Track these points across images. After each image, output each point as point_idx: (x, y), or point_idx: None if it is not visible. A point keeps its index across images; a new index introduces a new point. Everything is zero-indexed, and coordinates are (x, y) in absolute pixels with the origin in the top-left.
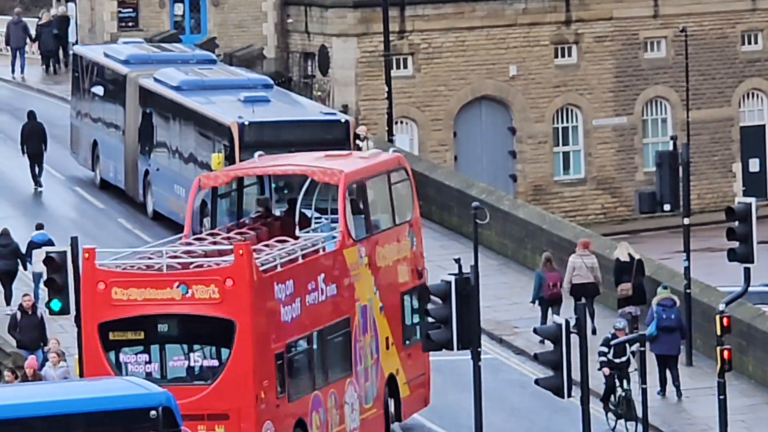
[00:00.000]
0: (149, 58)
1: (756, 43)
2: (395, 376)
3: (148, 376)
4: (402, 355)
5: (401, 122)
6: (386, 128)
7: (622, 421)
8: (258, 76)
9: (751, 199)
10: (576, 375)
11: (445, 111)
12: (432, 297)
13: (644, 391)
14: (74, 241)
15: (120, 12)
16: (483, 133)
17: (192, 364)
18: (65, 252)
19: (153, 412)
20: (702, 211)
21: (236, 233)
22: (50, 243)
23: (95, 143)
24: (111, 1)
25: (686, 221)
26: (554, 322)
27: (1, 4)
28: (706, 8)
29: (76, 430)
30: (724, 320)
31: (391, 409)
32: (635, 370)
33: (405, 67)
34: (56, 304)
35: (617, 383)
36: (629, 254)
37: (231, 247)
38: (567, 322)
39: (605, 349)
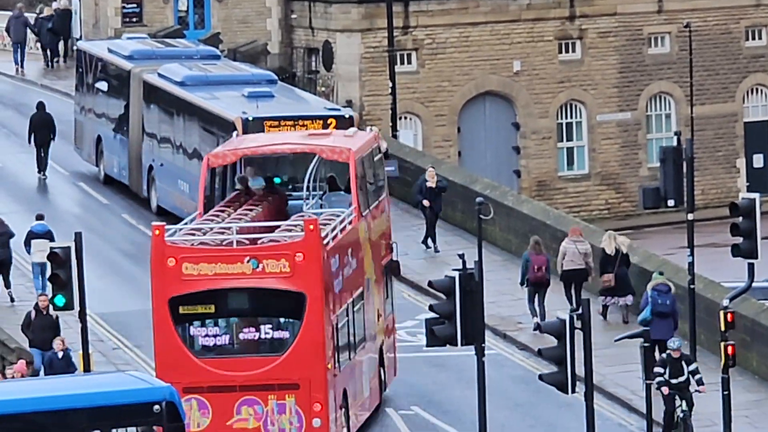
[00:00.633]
0: (153, 54)
1: (760, 38)
2: (382, 347)
3: (219, 348)
4: (384, 328)
5: (405, 118)
6: (390, 124)
7: None
8: (262, 72)
9: (755, 195)
10: (580, 370)
11: (449, 106)
12: (436, 292)
13: (648, 387)
14: (78, 237)
15: (124, 7)
16: (487, 129)
17: (263, 336)
18: (69, 247)
19: (156, 407)
20: (706, 206)
21: (246, 209)
22: (50, 233)
23: (99, 138)
24: None
25: (690, 217)
26: (558, 318)
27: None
28: (710, 4)
29: (79, 425)
30: (728, 316)
31: (382, 377)
32: (696, 391)
33: (409, 62)
34: (60, 300)
35: (677, 404)
36: (615, 247)
37: (300, 223)
38: (571, 318)
39: (661, 370)
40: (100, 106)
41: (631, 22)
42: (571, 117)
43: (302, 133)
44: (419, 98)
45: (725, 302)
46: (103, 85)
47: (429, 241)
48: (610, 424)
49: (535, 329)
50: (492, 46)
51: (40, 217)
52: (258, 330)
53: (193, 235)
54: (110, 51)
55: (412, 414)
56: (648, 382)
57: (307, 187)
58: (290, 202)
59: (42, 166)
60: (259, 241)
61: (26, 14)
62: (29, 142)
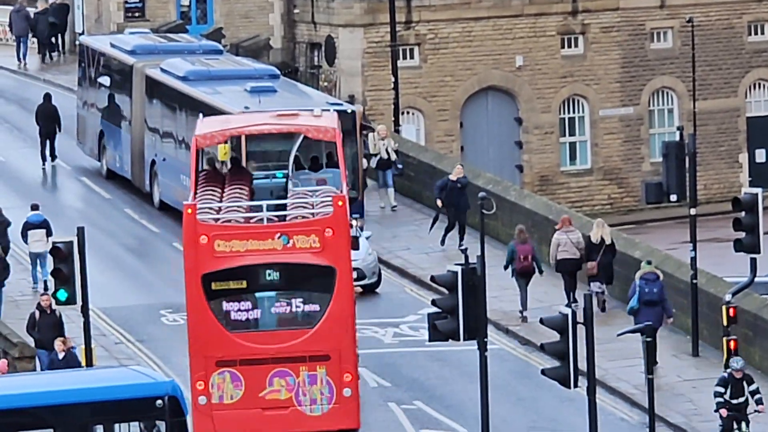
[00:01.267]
0: (156, 49)
1: (762, 33)
2: None
3: (251, 322)
4: None
5: (408, 113)
6: (393, 119)
7: None
8: (264, 67)
9: (758, 190)
10: (582, 365)
11: (452, 101)
12: (438, 287)
13: (651, 382)
14: (80, 232)
15: (126, 2)
16: (489, 124)
17: (294, 309)
18: (71, 242)
19: (159, 402)
20: (708, 201)
21: (234, 188)
22: (46, 223)
23: (102, 133)
24: None
25: (693, 212)
26: (560, 312)
27: None
28: None
29: (82, 420)
30: (731, 311)
31: None
32: (755, 411)
33: (411, 57)
34: (63, 294)
35: (735, 426)
36: (601, 236)
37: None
38: (573, 312)
39: (721, 390)
40: (103, 101)
41: (633, 17)
42: (574, 112)
43: (270, 115)
44: (422, 93)
45: (728, 297)
46: (105, 80)
47: (447, 238)
48: (612, 419)
49: (524, 318)
50: (494, 41)
51: (35, 207)
52: (289, 304)
53: (222, 212)
54: (113, 46)
55: (414, 408)
56: (650, 377)
57: (291, 166)
58: (255, 181)
59: (51, 156)
60: (288, 218)
61: (28, 8)
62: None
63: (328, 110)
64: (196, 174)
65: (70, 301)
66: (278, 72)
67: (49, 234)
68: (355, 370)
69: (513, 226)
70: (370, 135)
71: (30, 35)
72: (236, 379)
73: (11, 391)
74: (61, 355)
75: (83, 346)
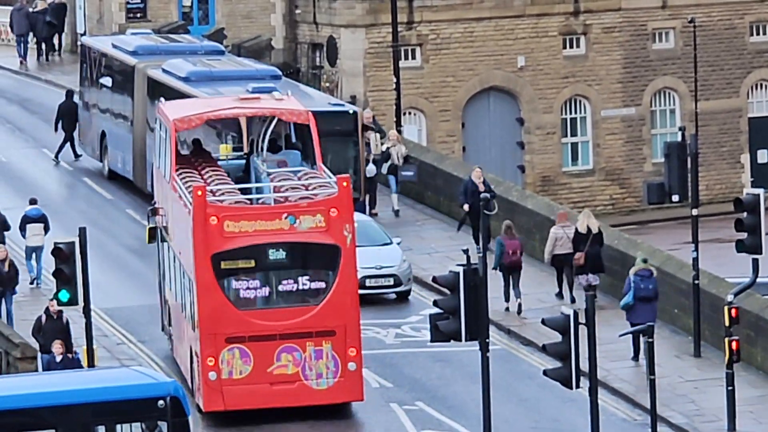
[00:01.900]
0: (157, 49)
1: (764, 33)
2: None
3: (259, 300)
4: None
5: (409, 113)
6: (394, 119)
7: None
8: (266, 67)
9: (760, 190)
10: (584, 366)
11: (454, 102)
12: (440, 288)
13: (653, 382)
14: (82, 232)
15: (128, 3)
16: (491, 124)
17: (300, 287)
18: (73, 243)
19: (161, 402)
20: (710, 202)
21: (211, 171)
22: (44, 217)
23: (103, 134)
24: None
25: (694, 212)
26: (562, 313)
27: None
28: None
29: (83, 420)
30: (733, 311)
31: None
32: None
33: (413, 58)
34: (64, 295)
35: None
36: (587, 226)
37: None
38: (575, 313)
39: None
40: (105, 102)
41: (635, 17)
42: (576, 112)
43: (233, 98)
44: (423, 93)
45: (730, 298)
46: (107, 81)
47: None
48: (614, 420)
49: (507, 309)
50: (496, 41)
51: (33, 202)
52: (296, 282)
53: (231, 194)
54: (114, 46)
55: (416, 409)
56: (651, 377)
57: (261, 148)
58: (219, 163)
59: (75, 154)
60: (293, 198)
61: (29, 8)
62: (55, 129)
63: (287, 93)
64: (185, 158)
65: (72, 301)
66: (280, 73)
67: (46, 228)
68: (359, 345)
69: (515, 226)
70: (372, 136)
71: (30, 34)
72: (245, 355)
73: (13, 392)
74: (58, 358)
75: (85, 347)
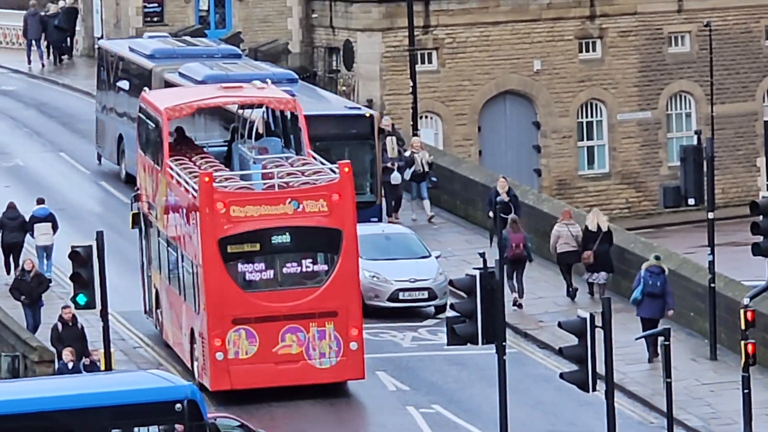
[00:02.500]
0: (174, 53)
1: None
2: None
3: (264, 282)
4: None
5: (426, 117)
6: (411, 123)
7: None
8: (283, 71)
9: None
10: (601, 369)
11: (470, 105)
12: (457, 291)
13: (669, 385)
14: (99, 236)
15: (145, 7)
16: (507, 128)
17: (304, 269)
18: (91, 246)
19: (178, 405)
20: (726, 205)
21: (202, 158)
22: (52, 216)
23: (120, 137)
24: None
25: (710, 215)
26: (578, 316)
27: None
28: (730, 3)
29: (101, 423)
30: (749, 314)
31: None
32: None
33: (429, 61)
34: (82, 299)
35: None
36: (597, 224)
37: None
38: (591, 316)
39: None
40: (122, 105)
41: (651, 21)
42: (592, 116)
43: (216, 87)
44: (440, 97)
45: (746, 301)
46: (124, 84)
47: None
48: (630, 423)
49: (514, 305)
50: (512, 45)
51: (40, 201)
52: (300, 264)
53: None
54: (131, 50)
55: (433, 412)
56: (668, 380)
57: (243, 135)
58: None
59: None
60: (297, 184)
61: (41, 12)
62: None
63: (267, 82)
64: (170, 146)
65: (90, 305)
66: (296, 76)
67: (55, 227)
68: (360, 325)
69: (531, 229)
70: (388, 140)
71: (43, 38)
72: (251, 335)
73: (32, 395)
74: (70, 365)
75: (102, 350)
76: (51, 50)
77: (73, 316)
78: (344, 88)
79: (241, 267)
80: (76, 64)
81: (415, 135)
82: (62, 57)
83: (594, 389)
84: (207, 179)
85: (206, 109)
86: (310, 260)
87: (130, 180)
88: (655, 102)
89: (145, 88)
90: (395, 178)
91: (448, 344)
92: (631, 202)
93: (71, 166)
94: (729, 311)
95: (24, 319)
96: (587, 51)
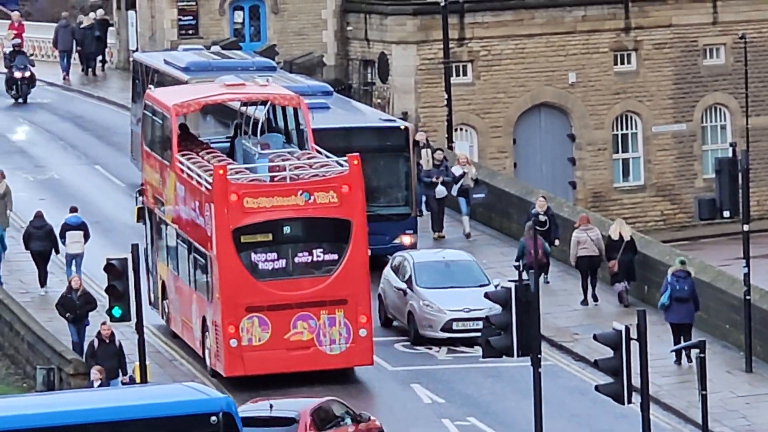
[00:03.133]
0: (209, 66)
1: None
2: None
3: (276, 271)
4: None
5: (461, 129)
6: (446, 135)
7: None
8: (318, 84)
9: None
10: (636, 381)
11: (505, 118)
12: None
13: (704, 398)
14: (134, 248)
15: (180, 20)
16: (542, 140)
17: (315, 259)
18: (126, 259)
19: (213, 418)
20: (762, 217)
21: (209, 152)
22: (84, 225)
23: None
24: (171, 9)
25: (746, 228)
26: (614, 329)
27: (48, 11)
28: (765, 15)
29: None
30: None
31: None
32: None
33: (464, 74)
34: (117, 311)
35: None
36: (620, 233)
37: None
38: (627, 329)
39: None
40: None
41: (686, 33)
42: (627, 128)
43: (218, 84)
44: (475, 110)
45: None
46: None
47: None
48: None
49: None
50: (547, 57)
51: (73, 210)
52: (311, 254)
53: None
54: (166, 62)
55: (468, 425)
56: (703, 393)
57: (246, 131)
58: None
59: None
60: (309, 176)
61: (74, 24)
62: None
63: (267, 79)
64: (178, 140)
65: (125, 317)
66: (331, 89)
67: (86, 236)
68: (369, 312)
69: (566, 242)
70: (423, 152)
71: (74, 50)
72: (264, 323)
73: (68, 408)
74: (96, 384)
75: (137, 363)
76: (86, 62)
77: (112, 333)
78: (379, 100)
79: (254, 256)
80: (111, 77)
81: (450, 146)
82: (96, 68)
83: (629, 401)
84: (222, 171)
85: (207, 106)
86: (321, 250)
87: None
88: (690, 114)
89: (150, 86)
90: (440, 191)
91: (483, 357)
92: (666, 215)
93: (106, 179)
94: (764, 323)
95: (67, 333)
96: (622, 63)
